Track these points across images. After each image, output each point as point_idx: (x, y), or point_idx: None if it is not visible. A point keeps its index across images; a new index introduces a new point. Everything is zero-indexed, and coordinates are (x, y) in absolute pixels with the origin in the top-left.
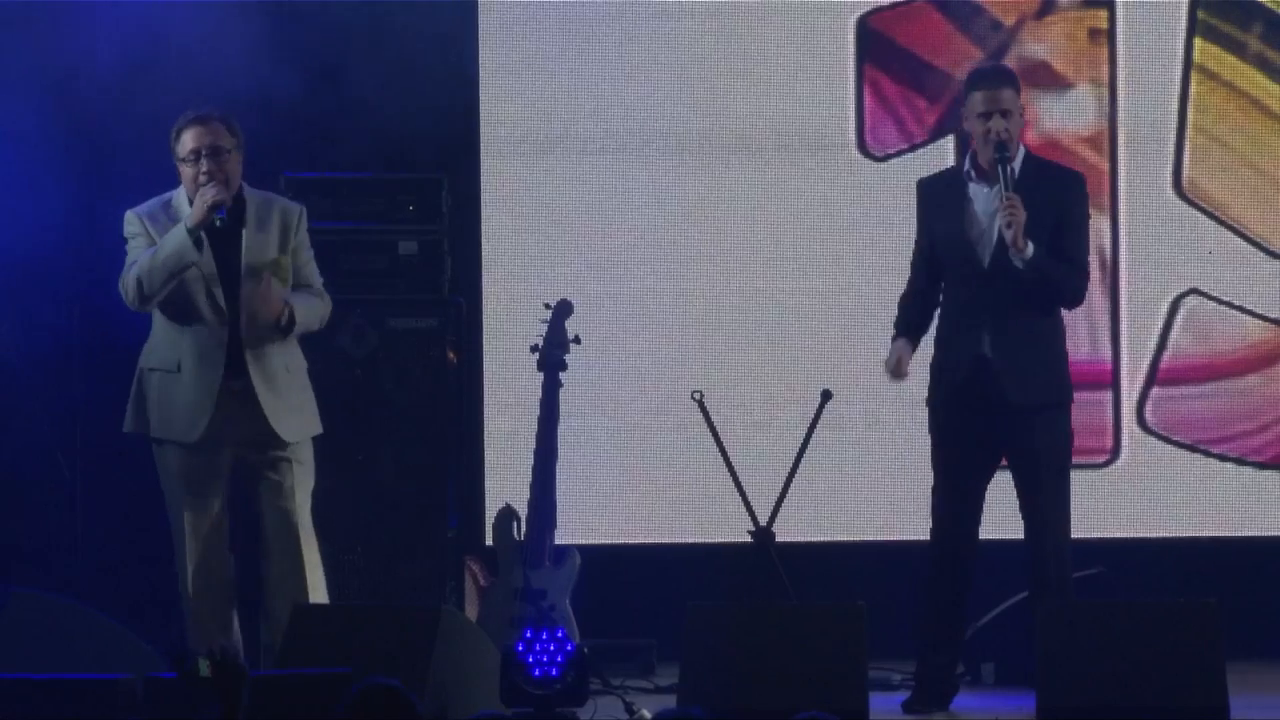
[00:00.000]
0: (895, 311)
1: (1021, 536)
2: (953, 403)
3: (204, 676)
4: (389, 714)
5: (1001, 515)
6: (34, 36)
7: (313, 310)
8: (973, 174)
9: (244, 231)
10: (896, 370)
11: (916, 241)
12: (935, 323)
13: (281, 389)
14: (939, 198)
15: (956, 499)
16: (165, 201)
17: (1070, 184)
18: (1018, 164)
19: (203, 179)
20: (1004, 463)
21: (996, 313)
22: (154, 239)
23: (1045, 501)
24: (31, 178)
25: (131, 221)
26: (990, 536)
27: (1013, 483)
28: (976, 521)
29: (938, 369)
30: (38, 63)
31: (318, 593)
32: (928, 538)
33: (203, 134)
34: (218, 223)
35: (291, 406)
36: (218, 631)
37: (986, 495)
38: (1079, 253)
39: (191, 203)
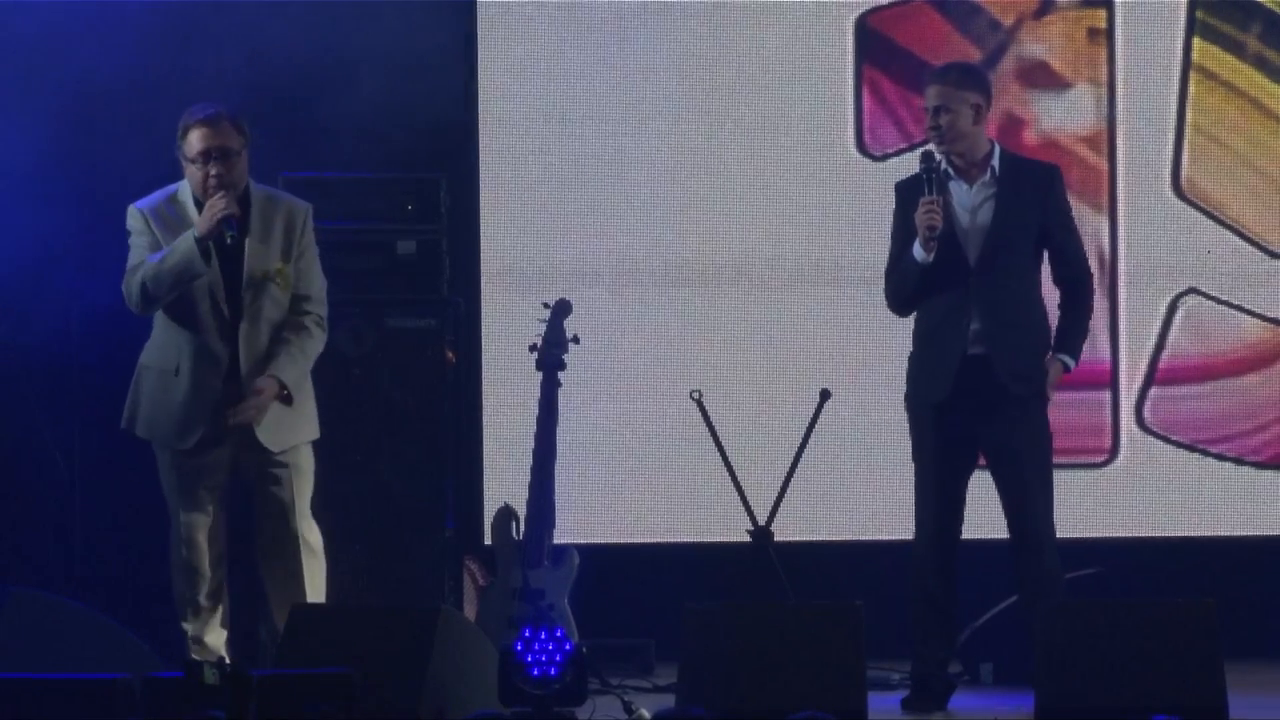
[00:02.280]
0: (893, 311)
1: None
2: (941, 401)
3: (210, 685)
4: None
5: (997, 515)
6: (33, 51)
7: (304, 355)
8: (950, 172)
9: (247, 239)
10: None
11: (892, 247)
12: (915, 320)
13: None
14: (917, 196)
15: (946, 498)
16: (169, 196)
17: (1050, 177)
18: (995, 162)
19: (212, 183)
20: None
21: (984, 308)
22: (157, 237)
23: (1036, 494)
24: (30, 176)
25: (135, 216)
26: (986, 536)
27: (994, 479)
28: (961, 519)
29: (921, 367)
30: (29, 61)
31: (317, 599)
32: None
33: (211, 135)
34: (229, 239)
35: (279, 417)
36: (201, 635)
37: (980, 496)
38: (1078, 252)
39: (198, 203)
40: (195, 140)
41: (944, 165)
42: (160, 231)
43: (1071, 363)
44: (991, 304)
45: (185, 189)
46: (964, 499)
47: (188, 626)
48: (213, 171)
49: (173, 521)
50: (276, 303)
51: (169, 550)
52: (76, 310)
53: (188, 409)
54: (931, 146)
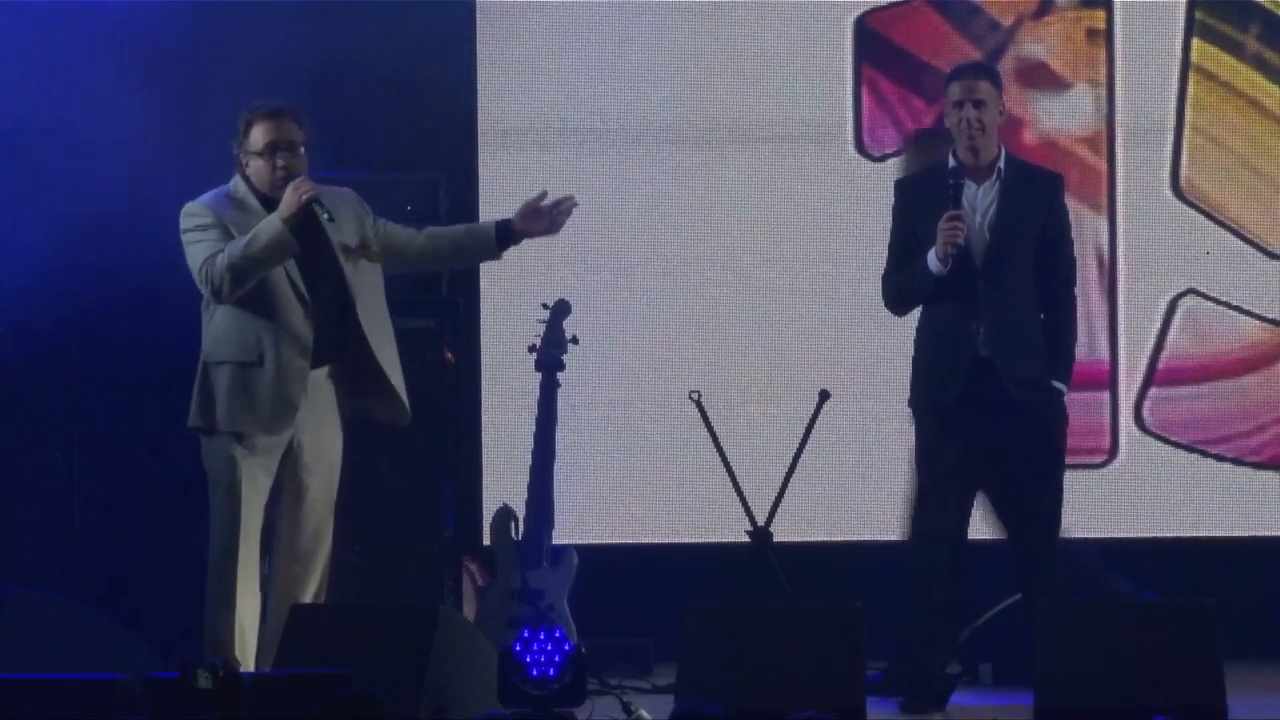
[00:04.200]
0: (890, 311)
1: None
2: (950, 404)
3: (202, 688)
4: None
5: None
6: (28, 49)
7: None
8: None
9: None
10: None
11: (892, 245)
12: (919, 321)
13: (393, 362)
14: (926, 197)
15: (955, 502)
16: (225, 193)
17: (1054, 187)
18: (1002, 164)
19: (280, 175)
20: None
21: (991, 310)
22: (229, 230)
23: (1043, 495)
24: (29, 177)
25: (202, 214)
26: (985, 536)
27: (1003, 479)
28: (968, 523)
29: (928, 370)
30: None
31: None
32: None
33: (275, 128)
34: (327, 217)
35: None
36: (238, 637)
37: (979, 496)
38: (1069, 266)
39: (260, 195)
40: (260, 133)
41: (955, 166)
42: (231, 224)
43: (1065, 388)
44: (996, 306)
45: (239, 185)
46: (972, 503)
47: (224, 631)
48: (280, 163)
49: (225, 524)
50: (371, 276)
51: (209, 581)
52: (76, 310)
53: (277, 395)
54: (954, 162)
